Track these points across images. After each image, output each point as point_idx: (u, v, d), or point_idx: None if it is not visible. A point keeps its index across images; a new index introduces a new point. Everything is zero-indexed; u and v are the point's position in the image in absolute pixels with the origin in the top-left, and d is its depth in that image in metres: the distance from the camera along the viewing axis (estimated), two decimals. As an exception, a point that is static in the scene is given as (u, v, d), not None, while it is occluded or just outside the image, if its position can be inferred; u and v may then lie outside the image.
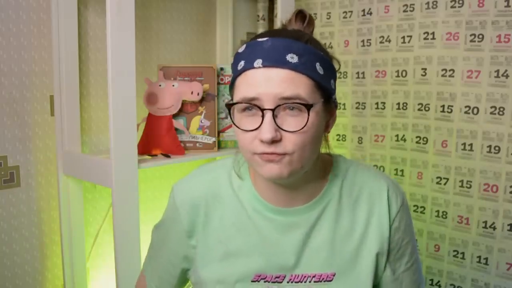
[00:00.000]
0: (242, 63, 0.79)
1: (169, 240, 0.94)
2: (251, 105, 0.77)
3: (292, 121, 0.76)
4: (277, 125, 0.75)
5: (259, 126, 0.76)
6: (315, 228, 0.86)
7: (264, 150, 0.76)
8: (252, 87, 0.76)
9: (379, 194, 0.89)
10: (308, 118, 0.76)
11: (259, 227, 0.87)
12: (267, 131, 0.74)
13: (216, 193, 0.90)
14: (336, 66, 0.85)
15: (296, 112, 0.76)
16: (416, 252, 0.94)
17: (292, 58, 0.76)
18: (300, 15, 0.86)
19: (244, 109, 0.78)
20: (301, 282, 0.85)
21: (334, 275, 0.85)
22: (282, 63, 0.76)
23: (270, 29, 0.87)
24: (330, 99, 0.82)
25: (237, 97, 0.79)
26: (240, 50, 0.81)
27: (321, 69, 0.79)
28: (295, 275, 0.86)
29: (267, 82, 0.76)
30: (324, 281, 0.85)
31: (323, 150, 0.89)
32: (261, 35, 0.82)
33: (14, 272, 1.40)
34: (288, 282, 0.86)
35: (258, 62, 0.76)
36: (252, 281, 0.86)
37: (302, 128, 0.76)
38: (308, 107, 0.76)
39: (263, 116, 0.76)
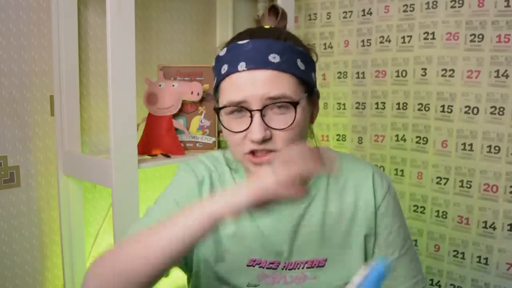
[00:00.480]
0: (225, 67, 0.80)
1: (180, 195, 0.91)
2: (239, 107, 0.79)
3: (280, 119, 0.79)
4: (266, 124, 0.78)
5: (248, 127, 0.78)
6: (304, 218, 0.89)
7: (254, 148, 0.78)
8: (238, 90, 0.78)
9: (365, 180, 0.92)
10: (295, 115, 0.79)
11: (254, 215, 0.88)
12: (257, 131, 0.77)
13: (220, 177, 0.92)
14: (314, 58, 0.87)
15: (283, 110, 0.79)
16: (410, 239, 0.95)
17: (274, 58, 0.78)
18: (273, 10, 0.89)
19: (232, 112, 0.80)
20: (295, 269, 0.88)
21: (326, 261, 0.88)
22: (265, 64, 0.78)
23: (248, 28, 0.88)
24: (312, 92, 0.85)
25: (223, 100, 0.81)
26: (221, 54, 0.83)
27: (302, 64, 0.81)
28: (289, 262, 0.88)
29: (252, 84, 0.78)
30: (317, 267, 0.88)
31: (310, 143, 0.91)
32: (241, 37, 0.83)
33: (14, 272, 1.40)
34: (282, 269, 0.88)
35: (241, 65, 0.78)
36: (248, 266, 0.88)
37: (291, 125, 0.79)
38: (295, 104, 0.79)
39: (251, 117, 0.78)
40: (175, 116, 1.45)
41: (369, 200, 0.91)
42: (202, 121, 1.48)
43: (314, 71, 0.87)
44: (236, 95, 0.78)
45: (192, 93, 1.44)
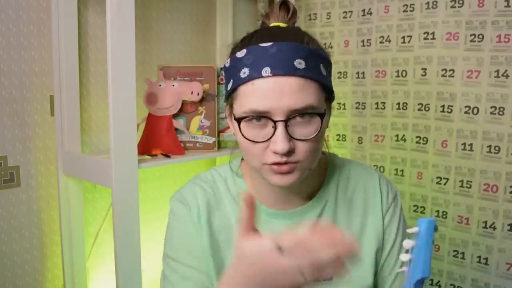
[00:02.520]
0: (246, 70, 0.75)
1: (190, 246, 0.88)
2: (262, 117, 0.75)
3: (304, 129, 0.75)
4: (289, 135, 0.74)
5: (270, 137, 0.74)
6: None
7: (277, 160, 0.75)
8: (262, 99, 0.74)
9: (372, 189, 0.90)
10: (321, 126, 0.76)
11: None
12: (282, 143, 0.73)
13: (219, 201, 0.89)
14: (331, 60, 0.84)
15: (307, 120, 0.75)
16: None
17: (300, 64, 0.74)
18: (284, 6, 0.84)
19: (251, 119, 0.76)
20: None
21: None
22: (292, 71, 0.73)
23: (266, 28, 0.83)
24: (331, 97, 0.82)
25: (244, 107, 0.76)
26: (240, 55, 0.77)
27: (324, 70, 0.78)
28: None
29: (278, 94, 0.73)
30: (325, 280, 0.86)
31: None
32: (261, 38, 0.78)
33: (14, 272, 1.40)
34: None
35: (266, 71, 0.73)
36: None
37: (315, 135, 0.76)
38: (322, 116, 0.76)
39: (275, 128, 0.74)
40: (175, 116, 1.45)
41: (376, 210, 0.89)
42: (202, 121, 1.48)
43: (331, 75, 0.84)
44: (260, 104, 0.74)
45: (192, 93, 1.44)
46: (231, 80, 0.78)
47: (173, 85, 1.44)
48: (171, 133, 1.42)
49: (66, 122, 1.39)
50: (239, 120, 0.76)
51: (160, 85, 1.44)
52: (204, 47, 1.81)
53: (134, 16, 1.19)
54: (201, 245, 0.86)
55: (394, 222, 0.90)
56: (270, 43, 0.75)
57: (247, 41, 0.80)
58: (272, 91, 0.73)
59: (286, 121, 0.73)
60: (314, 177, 0.88)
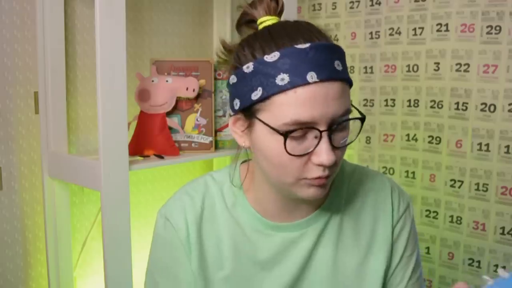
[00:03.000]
0: (285, 77, 0.71)
1: (175, 271, 0.88)
2: (305, 128, 0.72)
3: (340, 137, 0.75)
4: (333, 145, 0.73)
5: (314, 149, 0.73)
6: (319, 242, 0.86)
7: (320, 174, 0.74)
8: (307, 108, 0.71)
9: (383, 200, 0.89)
10: (360, 131, 0.77)
11: (259, 248, 0.86)
12: (328, 155, 0.72)
13: (210, 213, 0.88)
14: None
15: (344, 125, 0.75)
16: (420, 269, 0.92)
17: (338, 65, 0.73)
18: (274, 1, 0.82)
19: (295, 132, 0.73)
20: None
21: None
22: (335, 74, 0.72)
23: (281, 25, 0.78)
24: None
25: (284, 119, 0.72)
26: (271, 59, 0.72)
27: (347, 67, 0.78)
28: None
29: (324, 101, 0.71)
30: None
31: None
32: (289, 37, 0.74)
33: (-5, 282, 1.40)
34: None
35: (311, 76, 0.70)
36: None
37: (353, 140, 0.76)
38: (363, 120, 0.76)
39: (319, 138, 0.72)
40: (169, 114, 1.44)
41: (387, 221, 0.88)
42: (198, 120, 1.48)
43: None
44: (306, 114, 0.71)
45: (187, 89, 1.44)
46: (259, 88, 0.73)
47: (167, 81, 1.44)
48: (164, 132, 1.42)
49: (51, 121, 1.39)
50: (285, 135, 0.72)
51: (152, 81, 1.44)
52: (200, 39, 1.81)
53: (125, 6, 1.19)
54: (189, 269, 0.86)
55: (404, 235, 0.89)
56: (307, 44, 0.72)
57: (268, 40, 0.75)
58: (317, 99, 0.71)
59: (331, 131, 0.73)
60: None
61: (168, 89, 1.43)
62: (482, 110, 1.52)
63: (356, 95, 1.80)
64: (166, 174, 1.72)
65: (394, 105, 1.71)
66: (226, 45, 0.83)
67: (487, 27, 1.49)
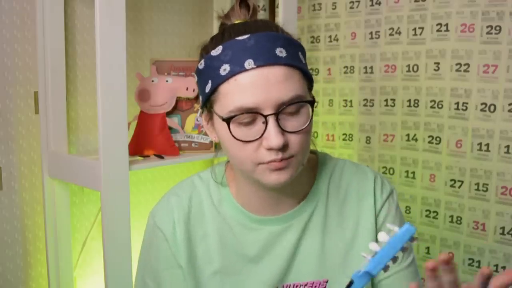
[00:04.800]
0: (226, 67, 0.76)
1: (160, 268, 0.92)
2: (250, 113, 0.75)
3: (294, 122, 0.77)
4: (281, 129, 0.76)
5: (262, 134, 0.75)
6: (304, 234, 0.88)
7: (273, 158, 0.76)
8: (249, 94, 0.75)
9: (366, 189, 0.91)
10: (311, 115, 0.78)
11: (246, 242, 0.88)
12: (276, 137, 0.74)
13: (198, 211, 0.90)
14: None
15: (295, 110, 0.77)
16: (412, 253, 0.93)
17: (281, 52, 0.76)
18: (244, 4, 0.86)
19: (240, 118, 0.76)
20: None
21: (327, 282, 0.87)
22: (275, 60, 0.75)
23: (234, 24, 0.83)
24: (311, 87, 0.84)
25: (229, 106, 0.76)
26: (215, 53, 0.78)
27: (302, 58, 0.81)
28: (287, 285, 0.87)
29: (265, 86, 0.74)
30: None
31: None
32: (235, 32, 0.79)
33: (-5, 282, 1.40)
34: None
35: (249, 63, 0.75)
36: None
37: (308, 125, 0.77)
38: (312, 103, 0.78)
39: (266, 123, 0.75)
40: (169, 114, 1.45)
41: (369, 210, 0.90)
42: (198, 119, 1.48)
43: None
44: (247, 99, 0.74)
45: (187, 89, 1.44)
46: (209, 81, 0.78)
47: (167, 81, 1.44)
48: (164, 132, 1.42)
49: (51, 121, 1.39)
50: (228, 121, 0.76)
51: (152, 81, 1.44)
52: (200, 39, 1.78)
53: (125, 6, 1.19)
54: (177, 271, 0.90)
55: (389, 220, 0.91)
56: (246, 36, 0.77)
57: (219, 38, 0.81)
58: (258, 84, 0.74)
59: (277, 114, 0.75)
60: (304, 178, 0.90)
61: (168, 89, 1.44)
62: (482, 110, 1.52)
63: (356, 95, 1.80)
64: (166, 174, 1.72)
65: (394, 105, 1.71)
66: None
67: (487, 27, 1.49)
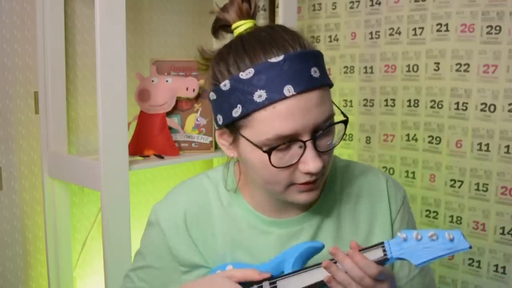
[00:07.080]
0: (261, 93, 0.71)
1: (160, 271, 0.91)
2: (290, 140, 0.73)
3: (326, 140, 0.76)
4: (318, 151, 0.74)
5: (299, 159, 0.74)
6: (317, 236, 0.86)
7: (309, 180, 0.75)
8: (289, 121, 0.71)
9: (379, 193, 0.90)
10: (344, 132, 0.77)
11: (257, 244, 0.86)
12: (315, 162, 0.73)
13: (205, 212, 0.88)
14: None
15: (327, 130, 0.76)
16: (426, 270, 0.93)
17: (315, 72, 0.73)
18: (246, 3, 0.81)
19: (279, 145, 0.74)
20: None
21: None
22: (313, 83, 0.72)
23: (253, 35, 0.77)
24: None
25: (266, 134, 0.72)
26: (245, 76, 0.72)
27: (326, 69, 0.78)
28: None
29: (304, 112, 0.71)
30: None
31: None
32: (262, 50, 0.73)
33: (-5, 282, 1.40)
34: None
35: (288, 90, 0.70)
36: None
37: (337, 143, 0.77)
38: (346, 122, 0.77)
39: (304, 148, 0.73)
40: (169, 114, 1.45)
41: (384, 215, 0.89)
42: (198, 119, 1.48)
43: None
44: (286, 127, 0.71)
45: (187, 89, 1.44)
46: (238, 106, 0.73)
47: (167, 81, 1.44)
48: (164, 132, 1.42)
49: (51, 121, 1.39)
50: (269, 152, 0.73)
51: (152, 81, 1.44)
52: (200, 39, 1.81)
53: (125, 6, 1.19)
54: (173, 271, 0.89)
55: (404, 226, 0.90)
56: (280, 57, 0.72)
57: (241, 52, 0.75)
58: (297, 111, 0.71)
59: (314, 139, 0.73)
60: None
61: (168, 89, 1.44)
62: (482, 110, 1.52)
63: (356, 95, 1.80)
64: (166, 174, 1.72)
65: (394, 105, 1.71)
66: (205, 53, 0.82)
67: (487, 27, 1.49)
